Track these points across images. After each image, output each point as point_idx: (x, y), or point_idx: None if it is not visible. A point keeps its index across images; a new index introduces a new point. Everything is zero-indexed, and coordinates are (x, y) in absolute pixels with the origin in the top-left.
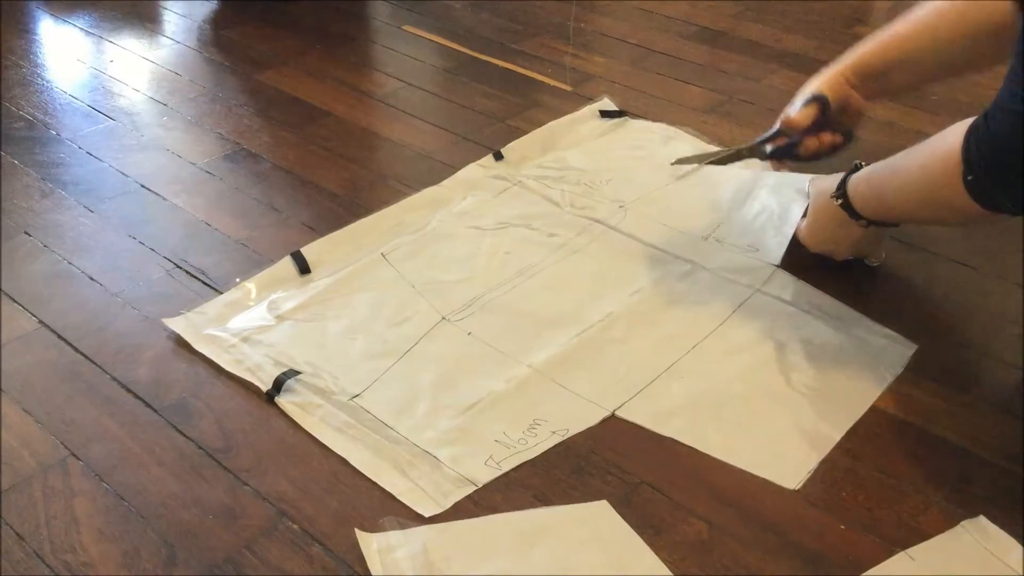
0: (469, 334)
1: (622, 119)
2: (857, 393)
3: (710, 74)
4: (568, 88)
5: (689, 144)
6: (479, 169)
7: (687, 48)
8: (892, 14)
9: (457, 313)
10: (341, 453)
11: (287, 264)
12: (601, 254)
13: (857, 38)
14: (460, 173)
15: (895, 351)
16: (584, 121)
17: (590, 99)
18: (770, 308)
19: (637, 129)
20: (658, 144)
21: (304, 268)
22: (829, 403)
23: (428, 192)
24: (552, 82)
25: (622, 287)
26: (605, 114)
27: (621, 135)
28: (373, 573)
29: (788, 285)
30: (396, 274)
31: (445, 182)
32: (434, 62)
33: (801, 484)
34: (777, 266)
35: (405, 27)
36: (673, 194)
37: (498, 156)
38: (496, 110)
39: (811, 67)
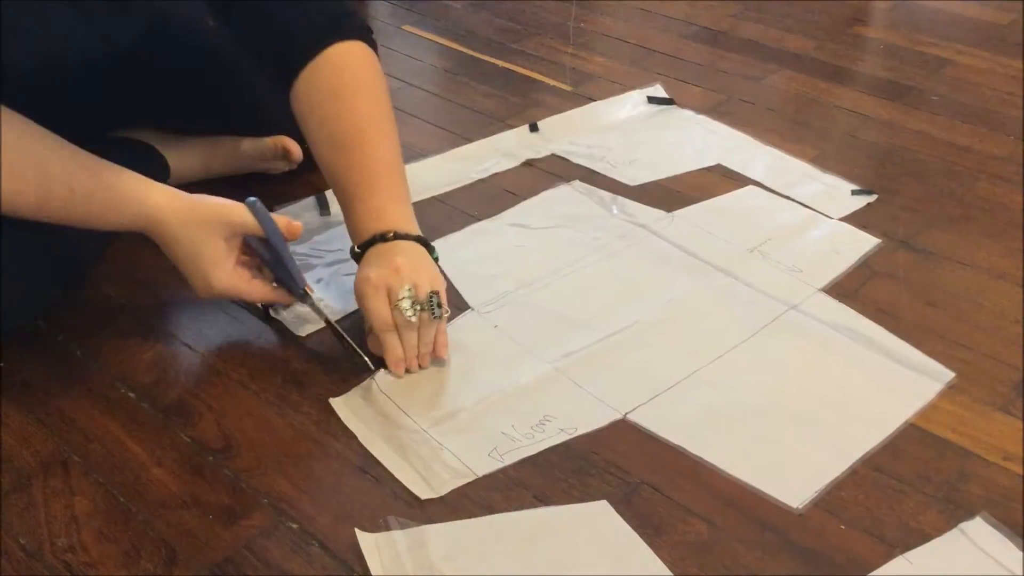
0: (495, 327)
1: (669, 107)
2: (878, 419)
3: (710, 74)
4: (568, 88)
5: (727, 138)
6: (513, 137)
7: (687, 48)
8: (892, 14)
9: (486, 305)
10: (352, 428)
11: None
12: (640, 260)
13: (857, 38)
14: (493, 139)
15: (927, 379)
16: (628, 105)
17: (589, 99)
18: (803, 326)
19: (681, 119)
20: (697, 136)
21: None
22: (848, 427)
23: (456, 151)
24: (552, 82)
25: (656, 294)
26: (653, 100)
27: (661, 121)
28: (373, 573)
29: (826, 306)
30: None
31: (475, 143)
32: (434, 62)
33: (804, 505)
34: (819, 289)
35: (405, 27)
36: (728, 204)
37: (533, 128)
38: (496, 110)
39: (811, 67)
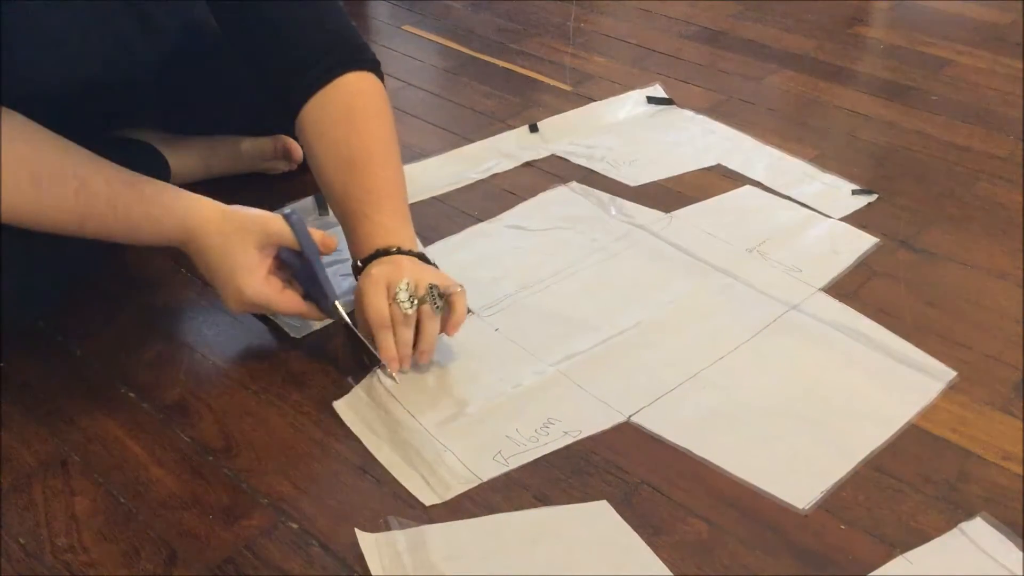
0: (496, 330)
1: (668, 107)
2: (882, 419)
3: (710, 74)
4: (568, 88)
5: (726, 138)
6: (513, 138)
7: (687, 48)
8: (892, 14)
9: (487, 309)
10: (356, 432)
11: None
12: (640, 261)
13: (857, 38)
14: (493, 139)
15: (929, 378)
16: (627, 105)
17: (589, 99)
18: (804, 326)
19: (680, 119)
20: (697, 136)
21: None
22: (852, 427)
23: (457, 151)
24: (552, 82)
25: (657, 295)
26: (652, 100)
27: (661, 121)
28: (373, 573)
29: (826, 306)
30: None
31: (475, 144)
32: (434, 62)
33: (810, 505)
34: (819, 288)
35: (405, 27)
36: (726, 204)
37: (533, 128)
38: (496, 110)
39: (811, 67)
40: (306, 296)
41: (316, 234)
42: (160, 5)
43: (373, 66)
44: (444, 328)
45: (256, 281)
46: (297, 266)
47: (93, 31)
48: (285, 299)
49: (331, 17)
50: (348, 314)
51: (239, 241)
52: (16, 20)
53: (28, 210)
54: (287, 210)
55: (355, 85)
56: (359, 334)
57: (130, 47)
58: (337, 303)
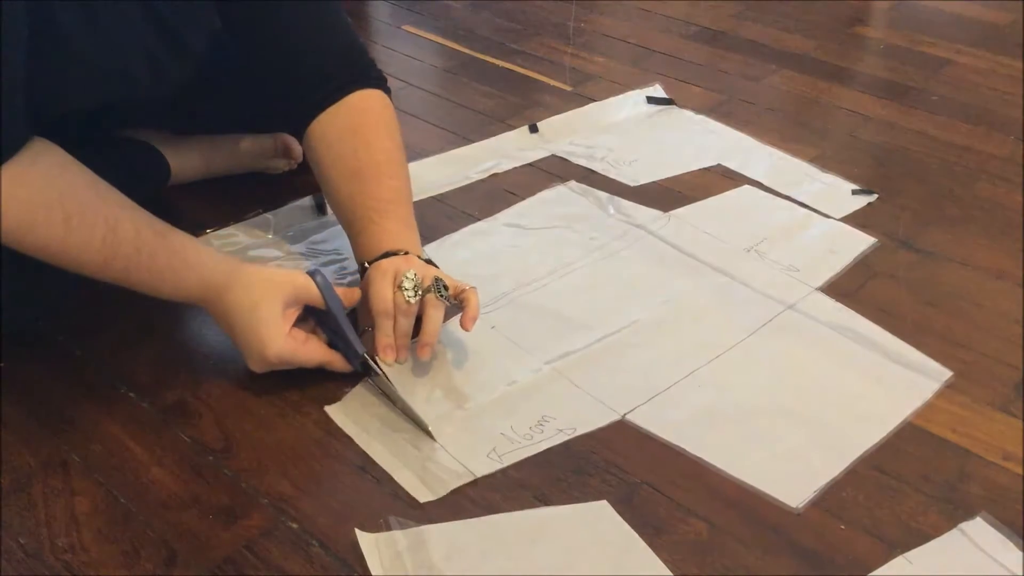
0: (492, 328)
1: (668, 107)
2: (876, 419)
3: (710, 74)
4: (568, 88)
5: (726, 138)
6: (513, 138)
7: (687, 48)
8: (892, 14)
9: (484, 306)
10: (349, 433)
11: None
12: (637, 260)
13: (857, 38)
14: (492, 139)
15: (924, 378)
16: (627, 105)
17: (589, 99)
18: (801, 326)
19: (681, 119)
20: (697, 136)
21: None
22: (846, 427)
23: (457, 151)
24: (552, 82)
25: (653, 295)
26: (652, 100)
27: (661, 121)
28: (373, 573)
29: (823, 305)
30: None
31: (475, 144)
32: (434, 62)
33: (803, 504)
34: (816, 288)
35: (405, 27)
36: (725, 203)
37: (533, 128)
38: (496, 110)
39: (811, 67)
40: (330, 344)
41: (340, 290)
42: (189, 25)
43: (380, 83)
44: (461, 322)
45: (279, 338)
46: (323, 323)
47: (128, 56)
48: (309, 350)
49: (340, 34)
50: (375, 362)
51: (265, 295)
52: (52, 44)
53: (55, 249)
54: (311, 268)
55: (363, 102)
56: (389, 382)
57: (162, 71)
58: (367, 355)
